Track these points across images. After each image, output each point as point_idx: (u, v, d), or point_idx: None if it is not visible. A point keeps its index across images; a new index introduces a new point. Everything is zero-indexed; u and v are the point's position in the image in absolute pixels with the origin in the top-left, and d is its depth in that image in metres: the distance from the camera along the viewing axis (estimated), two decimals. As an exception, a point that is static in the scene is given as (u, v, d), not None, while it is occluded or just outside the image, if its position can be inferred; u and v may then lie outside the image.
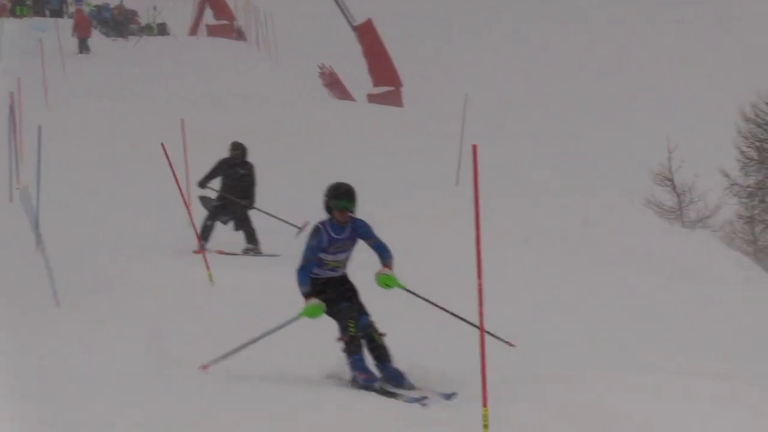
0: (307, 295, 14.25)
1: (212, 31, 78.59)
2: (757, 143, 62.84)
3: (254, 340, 14.84)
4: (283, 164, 37.64)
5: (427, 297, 14.76)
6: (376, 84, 65.54)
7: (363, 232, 14.57)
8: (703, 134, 67.06)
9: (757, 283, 36.11)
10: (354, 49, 67.20)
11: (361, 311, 14.49)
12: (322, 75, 67.53)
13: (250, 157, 30.36)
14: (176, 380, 16.98)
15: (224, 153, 30.70)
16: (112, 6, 77.97)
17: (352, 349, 14.15)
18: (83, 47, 66.44)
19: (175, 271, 26.17)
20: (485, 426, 12.33)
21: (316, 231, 14.27)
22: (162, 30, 78.50)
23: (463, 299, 15.34)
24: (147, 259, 27.39)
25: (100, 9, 76.19)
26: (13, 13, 78.56)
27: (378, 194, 33.68)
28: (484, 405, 12.49)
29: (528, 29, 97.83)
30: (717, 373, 16.25)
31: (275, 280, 23.66)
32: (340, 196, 14.18)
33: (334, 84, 66.72)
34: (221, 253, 28.79)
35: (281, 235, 29.78)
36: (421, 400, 13.51)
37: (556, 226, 36.54)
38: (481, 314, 12.96)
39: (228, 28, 77.93)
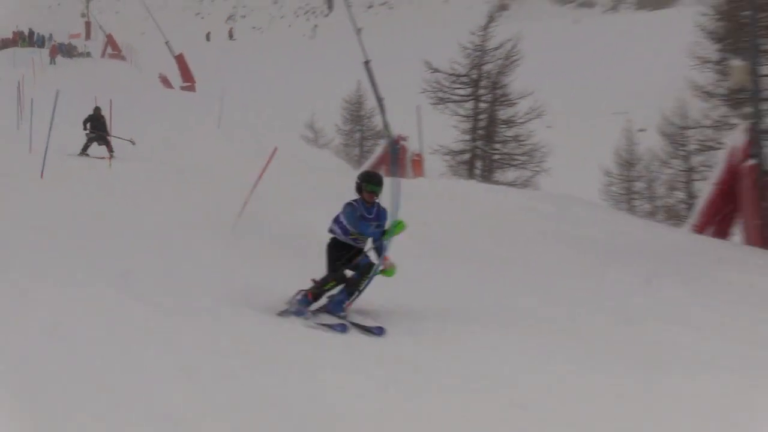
0: (382, 233, 10.94)
1: (111, 56, 79.50)
2: (352, 109, 65.76)
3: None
4: (132, 118, 36.50)
5: None
6: (183, 81, 70.16)
7: (383, 218, 11.19)
8: (329, 103, 68.19)
9: (345, 170, 42.13)
10: (174, 64, 71.74)
11: (364, 255, 11.23)
12: (160, 77, 70.88)
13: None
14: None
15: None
16: (66, 43, 79.42)
17: (313, 295, 11.17)
18: (52, 62, 70.82)
19: (90, 163, 28.14)
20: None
21: (352, 204, 11.19)
22: (88, 55, 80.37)
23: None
24: (77, 158, 29.27)
25: (61, 44, 77.40)
26: (17, 44, 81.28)
27: (177, 129, 40.47)
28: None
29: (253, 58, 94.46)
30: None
31: (136, 167, 26.63)
32: (372, 182, 11.16)
33: (165, 81, 70.51)
34: (92, 157, 29.78)
35: (126, 147, 30.61)
36: (342, 327, 10.51)
37: (255, 146, 37.63)
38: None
39: (119, 55, 78.62)
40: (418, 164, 39.09)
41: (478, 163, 42.62)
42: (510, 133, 42.77)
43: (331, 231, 11.42)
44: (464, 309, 10.86)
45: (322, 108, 68.84)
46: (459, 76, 43.56)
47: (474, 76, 43.42)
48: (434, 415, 7.29)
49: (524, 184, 40.08)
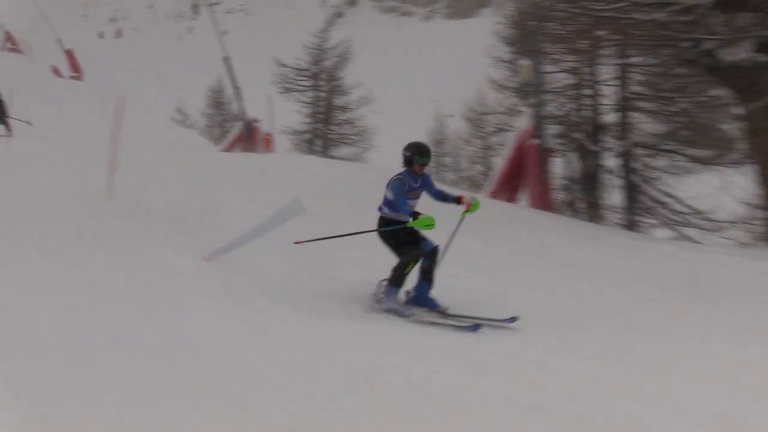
0: (413, 216, 9.08)
1: (11, 50, 68.78)
2: (214, 96, 64.77)
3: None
4: (28, 103, 29.94)
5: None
6: (73, 72, 65.02)
7: (429, 183, 9.37)
8: (196, 91, 66.48)
9: (208, 147, 40.57)
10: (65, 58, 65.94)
11: (427, 241, 9.24)
12: (52, 68, 63.81)
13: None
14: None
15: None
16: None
17: (398, 282, 9.12)
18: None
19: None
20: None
21: (400, 179, 9.14)
22: (-11, 48, 70.31)
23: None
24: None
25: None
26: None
27: (68, 113, 36.29)
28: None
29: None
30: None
31: (32, 144, 22.78)
32: (425, 154, 9.08)
33: (56, 72, 63.10)
34: None
35: (23, 126, 27.60)
36: (475, 327, 8.34)
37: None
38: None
39: (17, 49, 69.37)
40: (268, 142, 39.22)
41: (318, 142, 44.01)
42: (344, 117, 44.51)
43: (380, 210, 9.59)
44: (298, 258, 10.53)
45: (191, 95, 67.53)
46: (302, 70, 45.32)
47: (315, 71, 45.15)
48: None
49: (355, 158, 41.19)
